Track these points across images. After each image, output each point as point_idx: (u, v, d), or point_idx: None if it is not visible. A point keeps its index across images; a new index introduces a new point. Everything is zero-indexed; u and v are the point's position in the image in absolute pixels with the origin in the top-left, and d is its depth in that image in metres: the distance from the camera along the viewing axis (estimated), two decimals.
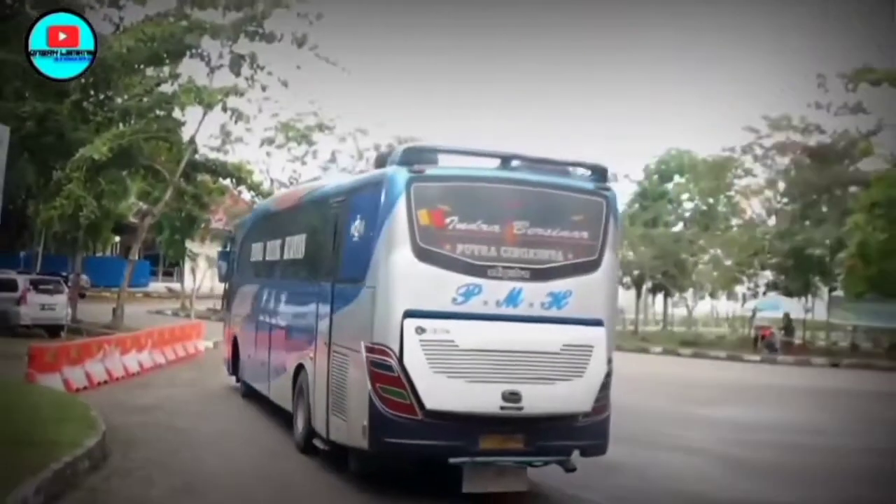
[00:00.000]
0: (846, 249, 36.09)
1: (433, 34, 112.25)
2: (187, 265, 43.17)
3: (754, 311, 41.45)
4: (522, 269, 9.16)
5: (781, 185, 41.81)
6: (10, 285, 25.20)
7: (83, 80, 26.11)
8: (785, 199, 42.29)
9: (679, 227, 47.57)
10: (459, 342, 8.84)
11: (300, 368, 11.56)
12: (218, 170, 33.31)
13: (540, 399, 8.99)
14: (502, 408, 8.85)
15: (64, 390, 14.88)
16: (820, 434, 15.90)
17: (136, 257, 35.01)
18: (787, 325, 37.88)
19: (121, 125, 28.91)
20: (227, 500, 9.24)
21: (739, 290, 44.97)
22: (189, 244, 38.93)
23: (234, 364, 16.76)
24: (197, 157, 32.44)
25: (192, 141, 31.05)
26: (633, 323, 45.66)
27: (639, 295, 47.57)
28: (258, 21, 28.14)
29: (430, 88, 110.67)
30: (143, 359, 19.37)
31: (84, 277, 38.98)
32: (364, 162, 42.58)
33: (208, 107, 28.72)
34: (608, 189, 9.75)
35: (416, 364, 8.75)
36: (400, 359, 8.78)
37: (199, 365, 21.81)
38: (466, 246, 9.01)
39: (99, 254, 58.58)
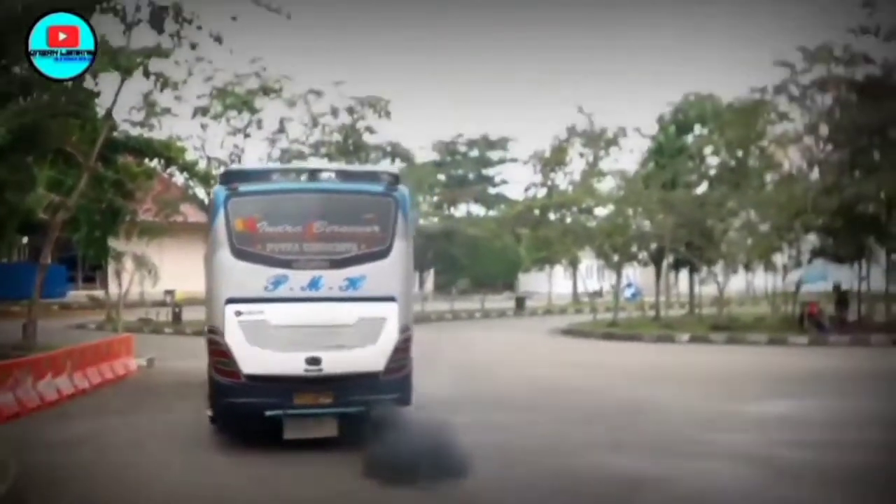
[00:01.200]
0: None
1: None
2: (111, 268, 42.63)
3: (798, 284, 41.34)
4: (322, 260, 13.46)
5: (824, 130, 41.49)
6: None
7: None
8: (829, 147, 41.94)
9: (703, 187, 47.21)
10: (271, 320, 13.26)
11: None
12: (142, 149, 32.96)
13: (338, 362, 13.27)
14: (306, 370, 13.21)
15: None
16: (889, 428, 15.79)
17: (49, 261, 34.48)
18: (839, 297, 37.83)
19: (21, 100, 28.59)
20: None
21: (779, 259, 44.59)
22: (112, 242, 38.36)
23: None
24: (116, 134, 31.95)
25: (108, 115, 30.53)
26: (654, 307, 45.47)
27: (658, 273, 47.28)
28: None
29: (393, 37, 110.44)
30: (61, 384, 19.30)
31: None
32: (320, 129, 42.15)
33: (126, 72, 28.35)
34: (397, 190, 13.98)
35: (236, 339, 13.25)
36: (223, 336, 13.28)
37: (131, 387, 21.77)
38: (275, 244, 13.37)
39: (3, 259, 58.28)
